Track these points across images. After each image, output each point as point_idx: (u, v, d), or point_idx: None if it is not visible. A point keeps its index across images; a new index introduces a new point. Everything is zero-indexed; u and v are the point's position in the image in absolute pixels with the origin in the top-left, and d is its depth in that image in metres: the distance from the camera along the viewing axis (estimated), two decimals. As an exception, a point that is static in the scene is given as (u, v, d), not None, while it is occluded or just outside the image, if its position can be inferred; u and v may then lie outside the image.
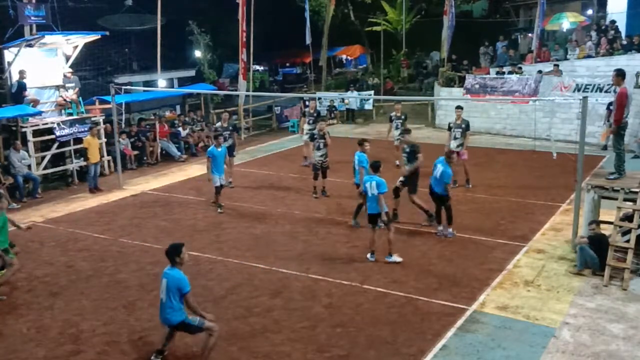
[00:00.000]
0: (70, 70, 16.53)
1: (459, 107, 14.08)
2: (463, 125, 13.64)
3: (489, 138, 20.29)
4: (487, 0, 35.22)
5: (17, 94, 14.95)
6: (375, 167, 9.59)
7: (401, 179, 11.35)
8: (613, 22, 22.23)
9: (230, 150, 14.49)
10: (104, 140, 16.33)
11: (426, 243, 10.36)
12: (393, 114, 16.06)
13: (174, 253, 6.52)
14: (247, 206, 12.89)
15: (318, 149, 13.26)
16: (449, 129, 13.92)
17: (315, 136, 13.56)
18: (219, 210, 12.41)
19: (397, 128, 15.56)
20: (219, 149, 12.43)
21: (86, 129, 15.24)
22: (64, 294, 8.63)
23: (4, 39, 15.93)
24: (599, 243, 8.91)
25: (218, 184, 12.37)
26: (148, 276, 9.13)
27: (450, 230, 10.65)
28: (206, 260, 9.80)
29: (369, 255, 9.62)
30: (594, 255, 8.81)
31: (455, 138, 13.63)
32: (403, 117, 15.91)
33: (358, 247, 10.14)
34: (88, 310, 8.10)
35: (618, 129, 9.82)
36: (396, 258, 9.48)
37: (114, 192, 14.37)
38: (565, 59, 21.45)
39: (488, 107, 21.04)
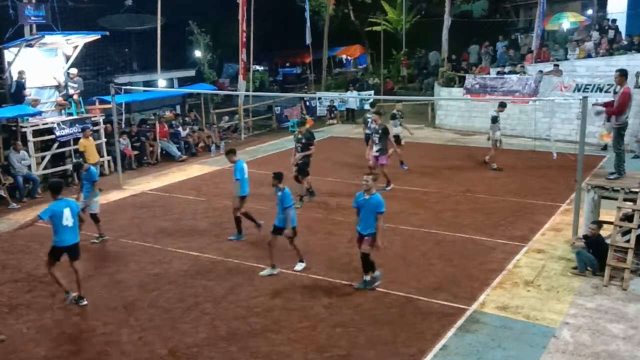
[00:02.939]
0: (76, 71, 16.52)
1: (376, 112, 13.99)
2: (380, 130, 13.19)
3: (489, 138, 20.28)
4: (487, 0, 35.20)
5: (17, 94, 14.96)
6: (279, 177, 9.40)
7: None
8: (614, 21, 22.22)
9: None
10: (103, 140, 16.33)
11: (426, 243, 10.35)
12: (494, 112, 15.55)
13: (61, 186, 8.21)
14: (247, 206, 12.85)
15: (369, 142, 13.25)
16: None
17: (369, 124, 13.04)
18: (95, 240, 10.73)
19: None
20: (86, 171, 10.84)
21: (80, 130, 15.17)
22: (64, 294, 8.62)
23: (4, 39, 15.92)
24: (596, 245, 8.91)
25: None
26: (148, 276, 9.15)
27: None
28: (206, 260, 9.80)
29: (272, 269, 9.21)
30: (592, 257, 8.80)
31: (375, 143, 13.28)
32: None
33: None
34: (88, 310, 8.10)
35: (618, 129, 9.85)
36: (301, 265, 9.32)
37: (114, 192, 14.35)
38: (565, 59, 21.43)
39: (488, 107, 20.98)
